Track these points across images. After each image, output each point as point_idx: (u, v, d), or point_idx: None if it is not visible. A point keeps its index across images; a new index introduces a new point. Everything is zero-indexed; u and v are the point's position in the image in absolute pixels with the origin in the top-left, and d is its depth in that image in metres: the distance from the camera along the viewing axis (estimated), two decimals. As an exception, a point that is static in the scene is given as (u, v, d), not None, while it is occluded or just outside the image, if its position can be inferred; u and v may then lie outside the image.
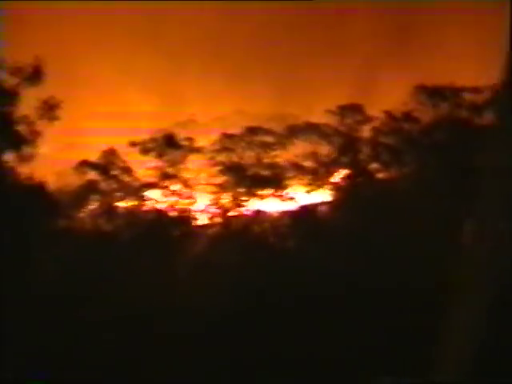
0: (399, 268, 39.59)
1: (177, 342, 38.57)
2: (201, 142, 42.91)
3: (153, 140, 41.78)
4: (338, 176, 43.68)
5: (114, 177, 41.93)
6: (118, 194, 42.39)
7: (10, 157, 37.90)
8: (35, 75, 37.32)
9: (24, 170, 38.09)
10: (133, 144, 41.60)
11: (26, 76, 37.41)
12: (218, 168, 43.11)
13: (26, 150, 37.66)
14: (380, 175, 43.62)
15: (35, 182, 38.40)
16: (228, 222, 43.30)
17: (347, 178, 43.60)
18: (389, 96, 42.19)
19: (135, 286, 40.11)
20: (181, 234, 43.06)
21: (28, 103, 37.86)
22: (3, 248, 36.58)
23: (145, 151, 41.73)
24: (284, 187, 43.61)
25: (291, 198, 43.66)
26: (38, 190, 38.50)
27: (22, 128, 37.69)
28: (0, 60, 37.02)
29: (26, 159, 37.76)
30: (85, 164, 41.29)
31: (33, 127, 37.65)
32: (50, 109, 37.87)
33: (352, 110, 43.38)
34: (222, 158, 43.27)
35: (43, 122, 38.02)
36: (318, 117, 43.67)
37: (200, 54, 44.12)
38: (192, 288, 40.76)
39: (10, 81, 37.65)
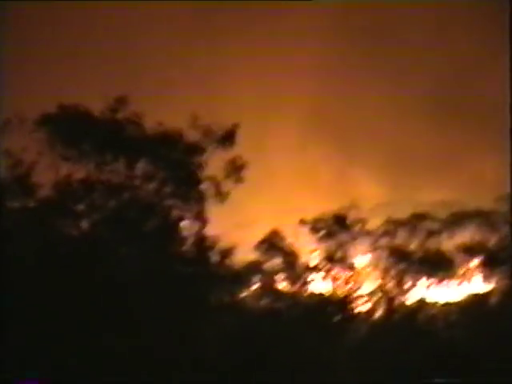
0: None
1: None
2: (367, 225, 42.73)
3: (322, 220, 41.79)
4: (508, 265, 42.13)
5: (282, 258, 42.00)
6: (283, 275, 42.39)
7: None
8: (228, 139, 37.78)
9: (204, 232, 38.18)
10: (302, 222, 41.71)
11: (218, 138, 37.91)
12: (384, 253, 42.57)
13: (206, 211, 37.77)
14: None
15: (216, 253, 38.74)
16: (392, 308, 42.42)
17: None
18: None
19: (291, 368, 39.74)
20: (342, 319, 42.49)
21: (216, 165, 38.16)
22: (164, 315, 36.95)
23: (314, 230, 41.68)
24: (451, 275, 42.51)
25: (458, 286, 42.44)
26: (218, 262, 38.94)
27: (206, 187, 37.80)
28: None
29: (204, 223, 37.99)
30: (262, 244, 41.46)
31: (218, 187, 37.65)
32: (236, 169, 37.96)
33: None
34: (387, 242, 42.79)
35: (228, 184, 38.02)
36: (488, 203, 42.74)
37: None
38: (349, 372, 39.96)
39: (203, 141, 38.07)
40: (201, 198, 37.87)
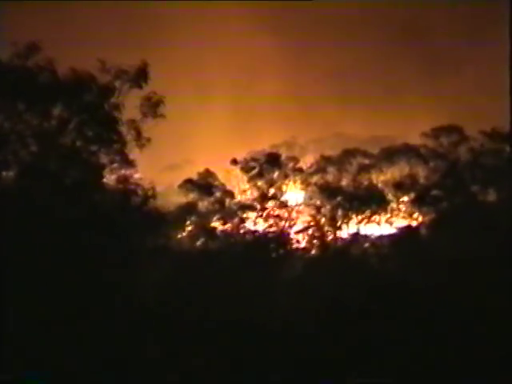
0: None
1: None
2: (299, 163, 43.07)
3: (254, 159, 41.92)
4: (436, 197, 43.09)
5: (214, 197, 42.06)
6: (217, 214, 42.51)
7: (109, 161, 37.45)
8: (140, 77, 37.16)
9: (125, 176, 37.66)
10: (234, 162, 41.78)
11: (130, 78, 37.27)
12: (316, 190, 43.01)
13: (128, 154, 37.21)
14: (480, 197, 42.91)
15: (139, 197, 38.38)
16: (326, 244, 43.04)
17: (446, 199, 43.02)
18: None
19: (228, 305, 40.05)
20: (277, 256, 42.94)
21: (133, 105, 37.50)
22: (99, 259, 36.68)
23: (246, 170, 41.83)
24: (382, 210, 43.25)
25: (389, 221, 43.27)
26: (140, 206, 38.64)
27: (125, 129, 37.24)
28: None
29: (128, 164, 37.48)
30: (188, 184, 41.42)
31: (137, 128, 37.04)
32: (154, 106, 37.38)
33: (450, 131, 43.16)
34: (319, 179, 43.24)
35: (147, 124, 37.38)
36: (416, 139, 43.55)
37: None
38: (287, 310, 40.51)
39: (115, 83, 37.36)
40: (122, 142, 37.22)
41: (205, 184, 41.98)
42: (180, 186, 42.02)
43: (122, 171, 38.38)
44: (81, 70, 37.46)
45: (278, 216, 42.84)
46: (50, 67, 37.22)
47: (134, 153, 38.30)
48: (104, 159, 38.21)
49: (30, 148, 37.62)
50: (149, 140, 37.51)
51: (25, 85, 37.32)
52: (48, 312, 35.98)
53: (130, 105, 37.80)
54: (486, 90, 44.64)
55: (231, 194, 42.83)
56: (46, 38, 38.25)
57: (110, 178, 38.80)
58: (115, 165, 38.13)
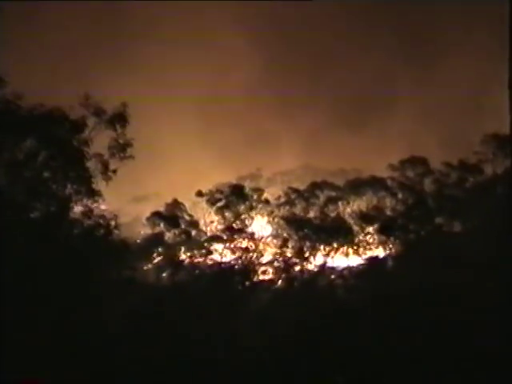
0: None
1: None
2: (266, 195, 43.27)
3: (220, 191, 42.13)
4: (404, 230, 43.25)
5: (180, 229, 42.17)
6: (184, 246, 42.59)
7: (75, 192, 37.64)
8: (119, 119, 37.46)
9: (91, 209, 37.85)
10: (199, 194, 41.99)
11: (107, 119, 37.53)
12: (283, 222, 43.17)
13: (95, 187, 37.43)
14: (446, 228, 43.11)
15: (102, 228, 38.54)
16: (292, 276, 43.07)
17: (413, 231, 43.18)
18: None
19: (197, 338, 39.94)
20: (244, 288, 42.94)
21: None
22: (66, 292, 36.69)
23: (212, 202, 42.02)
24: (350, 242, 43.39)
25: (357, 253, 43.38)
26: (104, 237, 38.74)
27: (92, 164, 37.51)
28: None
29: (94, 198, 37.68)
30: (155, 216, 41.53)
31: (105, 163, 37.29)
32: (121, 148, 37.71)
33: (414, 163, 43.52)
34: (286, 212, 43.42)
35: (115, 162, 37.72)
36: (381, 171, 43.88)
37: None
38: (253, 341, 40.40)
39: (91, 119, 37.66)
40: (88, 176, 37.47)
41: (172, 215, 42.12)
42: (148, 219, 42.09)
43: (88, 203, 38.60)
44: (52, 104, 37.79)
45: (245, 248, 42.91)
46: (16, 102, 37.52)
47: (100, 185, 38.68)
48: (70, 190, 38.46)
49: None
50: (115, 172, 37.78)
51: None
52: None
53: (99, 138, 38.19)
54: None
55: (198, 226, 42.95)
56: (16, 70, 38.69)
57: (75, 210, 39.04)
58: (80, 196, 38.35)
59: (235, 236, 42.80)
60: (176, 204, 42.56)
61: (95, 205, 38.51)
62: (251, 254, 43.08)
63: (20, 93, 37.32)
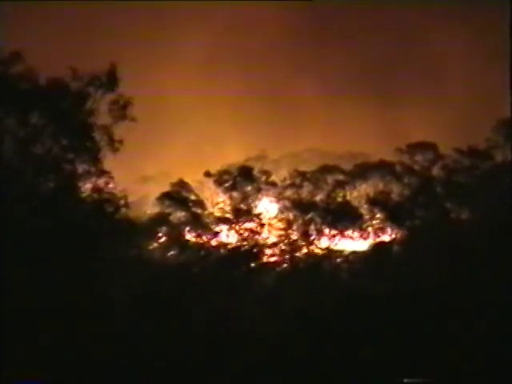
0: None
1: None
2: (272, 177, 43.04)
3: (227, 172, 41.88)
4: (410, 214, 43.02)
5: (188, 210, 41.95)
6: (190, 226, 42.42)
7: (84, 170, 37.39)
8: (110, 81, 37.14)
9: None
10: (208, 175, 41.75)
11: (102, 83, 37.22)
12: (290, 204, 42.95)
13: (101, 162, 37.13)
14: (453, 214, 42.86)
15: (111, 205, 38.27)
16: (297, 258, 42.93)
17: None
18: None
19: (200, 319, 39.88)
20: (249, 270, 42.82)
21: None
22: (71, 269, 36.59)
23: (219, 183, 41.77)
24: (355, 226, 43.17)
25: (362, 237, 43.19)
26: (111, 214, 38.57)
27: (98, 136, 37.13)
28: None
29: (103, 173, 37.42)
30: (165, 197, 41.30)
31: (109, 133, 36.84)
32: (122, 108, 37.28)
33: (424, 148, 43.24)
34: (292, 194, 43.19)
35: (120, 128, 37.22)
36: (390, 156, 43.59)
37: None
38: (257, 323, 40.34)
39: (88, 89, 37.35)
40: (96, 148, 37.20)
41: (179, 196, 41.93)
42: (157, 199, 41.89)
43: (97, 180, 38.51)
44: (54, 78, 37.65)
45: (250, 229, 42.76)
46: (30, 76, 37.40)
47: (109, 164, 38.58)
48: (79, 168, 38.38)
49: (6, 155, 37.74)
50: (121, 142, 37.60)
51: (5, 92, 37.52)
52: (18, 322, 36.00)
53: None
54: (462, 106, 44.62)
55: (204, 207, 42.78)
56: (27, 46, 38.55)
57: (84, 187, 38.97)
58: (90, 174, 38.27)
59: (241, 218, 42.66)
60: (182, 184, 42.36)
61: (104, 180, 38.56)
62: (257, 236, 42.94)
63: (32, 67, 37.27)
